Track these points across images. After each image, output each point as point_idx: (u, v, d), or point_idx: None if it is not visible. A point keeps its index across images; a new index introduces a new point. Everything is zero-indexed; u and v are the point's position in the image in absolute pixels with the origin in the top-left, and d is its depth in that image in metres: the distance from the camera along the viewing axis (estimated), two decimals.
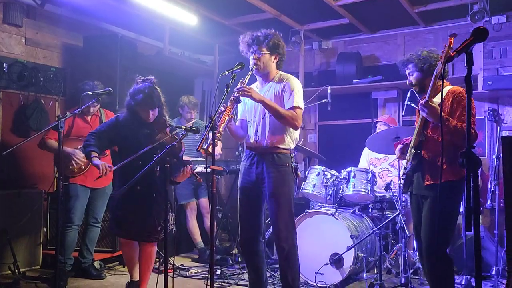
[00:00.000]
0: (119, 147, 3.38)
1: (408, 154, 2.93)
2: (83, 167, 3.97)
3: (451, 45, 2.49)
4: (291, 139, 3.06)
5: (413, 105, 4.11)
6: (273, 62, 3.03)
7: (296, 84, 3.01)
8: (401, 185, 3.01)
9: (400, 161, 4.07)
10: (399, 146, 3.10)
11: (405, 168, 2.95)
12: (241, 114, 3.19)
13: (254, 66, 2.95)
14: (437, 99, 2.74)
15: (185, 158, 4.63)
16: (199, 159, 4.47)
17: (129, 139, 3.18)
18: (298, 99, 2.97)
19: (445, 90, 2.79)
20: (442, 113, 2.62)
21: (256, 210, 3.10)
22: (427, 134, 2.81)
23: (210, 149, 2.57)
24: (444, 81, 2.83)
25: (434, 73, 2.65)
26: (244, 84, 2.87)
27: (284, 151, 3.00)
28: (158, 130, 3.20)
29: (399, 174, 3.96)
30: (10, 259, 3.89)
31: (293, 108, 2.93)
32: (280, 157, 2.98)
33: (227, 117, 2.78)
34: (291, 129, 3.03)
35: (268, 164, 2.97)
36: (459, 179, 2.69)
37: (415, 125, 3.03)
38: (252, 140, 3.05)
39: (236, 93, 2.84)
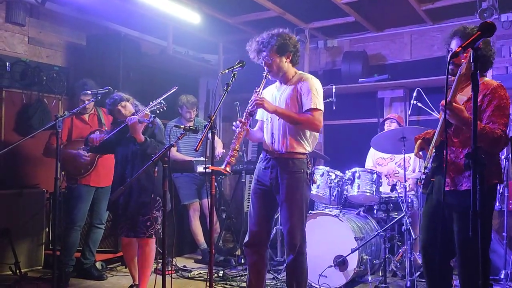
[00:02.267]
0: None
1: (428, 153, 2.75)
2: (89, 166, 3.94)
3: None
4: (308, 142, 2.94)
5: (419, 104, 4.07)
6: (286, 62, 2.89)
7: (315, 85, 2.88)
8: (421, 184, 2.81)
9: (407, 160, 3.99)
10: (418, 142, 2.84)
11: (425, 168, 2.77)
12: (259, 115, 3.08)
13: (268, 74, 2.86)
14: (463, 96, 2.47)
15: (186, 157, 4.62)
16: (201, 159, 4.42)
17: (120, 142, 3.46)
18: (317, 100, 2.84)
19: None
20: (467, 114, 2.32)
21: (268, 215, 3.01)
22: (450, 134, 2.55)
23: (228, 168, 2.56)
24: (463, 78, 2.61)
25: (459, 73, 2.27)
26: (257, 94, 2.79)
27: (300, 156, 2.90)
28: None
29: (404, 174, 3.90)
30: (11, 259, 3.85)
31: (310, 110, 2.82)
32: (296, 163, 2.88)
33: (242, 135, 2.74)
34: (309, 132, 2.94)
35: (283, 170, 2.87)
36: (488, 185, 2.40)
37: (439, 122, 2.80)
38: (268, 144, 2.96)
39: (250, 106, 2.77)
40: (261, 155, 3.07)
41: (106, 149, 3.58)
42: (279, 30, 2.89)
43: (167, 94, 3.39)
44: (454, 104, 2.29)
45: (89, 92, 3.68)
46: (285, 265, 3.26)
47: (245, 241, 3.05)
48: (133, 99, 3.54)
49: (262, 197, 2.98)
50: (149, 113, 3.32)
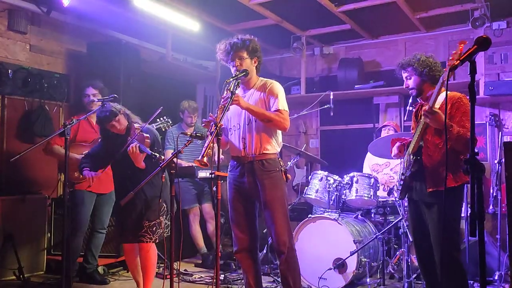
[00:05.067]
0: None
1: (405, 158, 2.93)
2: None
3: (461, 52, 2.41)
4: (277, 143, 3.06)
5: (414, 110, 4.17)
6: (254, 65, 3.04)
7: (280, 88, 3.04)
8: (398, 191, 2.99)
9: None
10: (397, 144, 3.06)
11: (402, 174, 2.94)
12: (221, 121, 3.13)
13: (237, 73, 2.94)
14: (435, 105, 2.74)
15: (184, 163, 4.68)
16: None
17: (114, 155, 3.37)
18: (283, 102, 2.99)
19: (442, 95, 2.78)
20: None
21: (252, 219, 3.09)
22: (426, 140, 2.80)
23: (205, 159, 2.55)
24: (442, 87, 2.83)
25: (441, 80, 2.64)
26: (229, 91, 2.83)
27: (272, 156, 3.00)
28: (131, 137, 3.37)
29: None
30: (14, 264, 3.90)
31: (278, 110, 2.95)
32: (270, 163, 2.97)
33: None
34: (277, 133, 3.05)
35: (259, 171, 2.95)
36: (460, 184, 2.74)
37: (412, 131, 3.04)
38: (239, 149, 3.01)
39: (224, 101, 2.79)
40: (230, 164, 3.14)
41: (105, 164, 3.56)
42: (250, 36, 3.05)
43: (153, 117, 3.44)
44: (434, 109, 2.58)
45: (96, 100, 3.75)
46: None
47: (234, 249, 3.10)
48: (124, 108, 3.46)
49: (243, 202, 3.06)
50: (142, 132, 3.28)
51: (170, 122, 3.40)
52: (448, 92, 2.76)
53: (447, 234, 2.67)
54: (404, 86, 2.98)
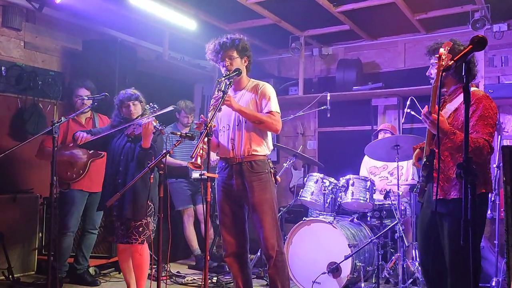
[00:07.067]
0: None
1: (422, 162, 2.77)
2: (81, 171, 3.94)
3: (442, 57, 2.23)
4: (267, 145, 3.01)
5: (413, 112, 4.12)
6: (244, 66, 2.99)
7: (272, 90, 2.99)
8: (417, 193, 2.84)
9: (400, 170, 4.03)
10: (416, 151, 2.82)
11: (419, 176, 2.80)
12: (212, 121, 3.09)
13: (228, 73, 2.88)
14: (451, 106, 2.51)
15: (182, 163, 4.63)
16: None
17: (114, 139, 3.42)
18: (276, 104, 2.95)
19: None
20: (447, 125, 2.36)
21: (241, 221, 3.03)
22: (442, 140, 2.45)
23: (198, 161, 2.49)
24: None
25: (433, 84, 2.36)
26: (221, 91, 2.77)
27: (261, 157, 2.95)
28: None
29: (397, 183, 3.94)
30: (4, 264, 3.84)
31: (270, 112, 2.91)
32: (259, 164, 2.92)
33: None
34: (267, 134, 3.01)
35: (247, 173, 2.90)
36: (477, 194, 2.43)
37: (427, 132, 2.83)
38: (228, 150, 2.96)
39: (215, 102, 2.73)
40: (218, 165, 3.10)
41: (97, 145, 3.52)
42: (240, 35, 3.01)
43: (163, 111, 3.41)
44: (433, 115, 2.29)
45: (86, 98, 3.70)
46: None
47: (224, 254, 3.04)
48: (145, 102, 3.52)
49: (231, 205, 3.00)
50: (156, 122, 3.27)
51: (157, 107, 3.36)
52: (473, 89, 2.49)
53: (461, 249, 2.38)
54: (426, 73, 2.65)
